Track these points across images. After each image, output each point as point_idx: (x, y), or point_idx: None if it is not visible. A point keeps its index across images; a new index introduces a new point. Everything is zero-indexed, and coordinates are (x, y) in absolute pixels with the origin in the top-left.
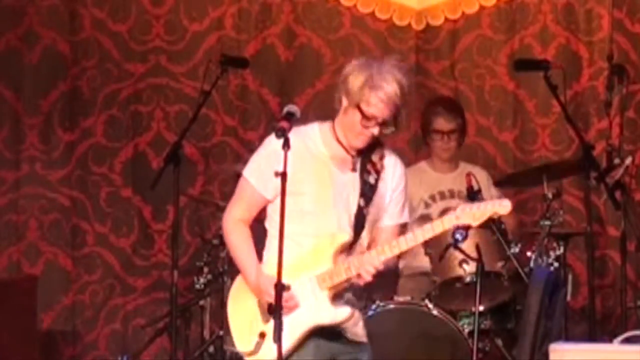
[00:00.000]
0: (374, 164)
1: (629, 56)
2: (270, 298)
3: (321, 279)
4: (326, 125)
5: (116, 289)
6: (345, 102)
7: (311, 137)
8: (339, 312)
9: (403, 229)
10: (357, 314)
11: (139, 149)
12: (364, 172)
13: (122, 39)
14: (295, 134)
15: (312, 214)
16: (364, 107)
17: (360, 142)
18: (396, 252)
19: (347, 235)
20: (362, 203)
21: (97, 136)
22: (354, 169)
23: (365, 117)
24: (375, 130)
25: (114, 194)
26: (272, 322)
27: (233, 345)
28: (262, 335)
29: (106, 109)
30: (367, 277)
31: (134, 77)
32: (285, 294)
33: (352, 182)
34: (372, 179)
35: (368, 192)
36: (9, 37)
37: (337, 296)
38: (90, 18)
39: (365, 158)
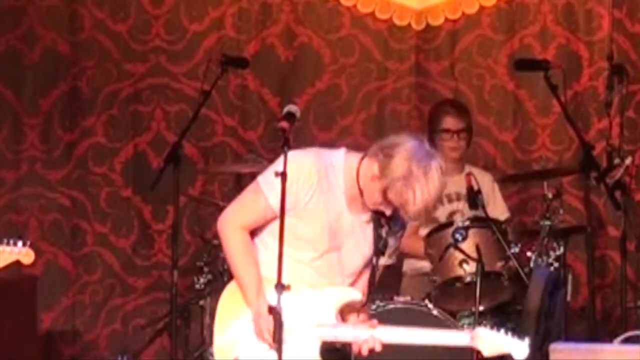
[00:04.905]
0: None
1: (629, 56)
2: (266, 324)
3: (320, 332)
4: (353, 160)
5: (116, 289)
6: (376, 171)
7: (333, 165)
8: None
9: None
10: None
11: (139, 149)
12: (377, 225)
13: (122, 39)
14: (320, 158)
15: (309, 242)
16: (388, 193)
17: (373, 207)
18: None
19: (351, 297)
20: (374, 261)
21: (97, 136)
22: (361, 213)
23: (385, 199)
24: (388, 212)
25: (114, 194)
26: (249, 352)
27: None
28: None
29: (106, 109)
30: (364, 353)
31: (134, 77)
32: (271, 325)
33: (361, 227)
34: (383, 232)
35: (382, 247)
36: (9, 37)
37: (328, 346)
38: (90, 18)
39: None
